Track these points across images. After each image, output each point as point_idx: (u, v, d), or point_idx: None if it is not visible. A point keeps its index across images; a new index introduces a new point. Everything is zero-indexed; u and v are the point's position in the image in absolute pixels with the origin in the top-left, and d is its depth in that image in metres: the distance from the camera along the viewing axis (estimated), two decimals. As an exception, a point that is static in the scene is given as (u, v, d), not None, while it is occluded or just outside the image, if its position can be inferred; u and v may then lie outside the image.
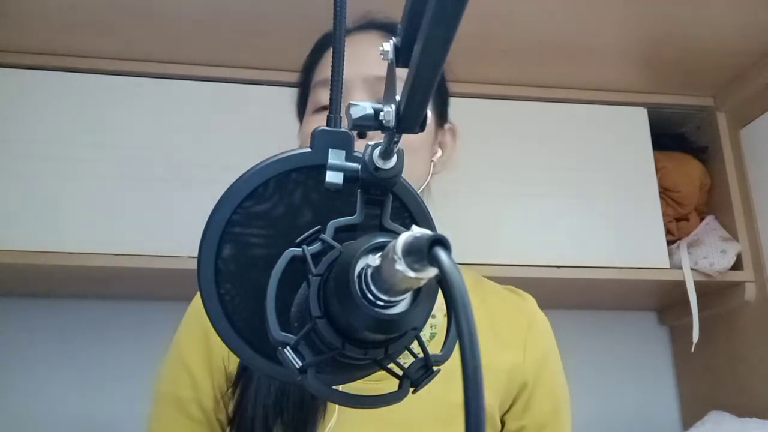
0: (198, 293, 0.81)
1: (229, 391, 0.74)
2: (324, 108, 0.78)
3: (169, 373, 0.78)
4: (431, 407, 0.72)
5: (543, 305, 0.86)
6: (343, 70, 0.38)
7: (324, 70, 0.80)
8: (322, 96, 0.79)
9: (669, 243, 1.33)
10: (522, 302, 0.85)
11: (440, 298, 0.31)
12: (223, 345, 0.78)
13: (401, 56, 0.32)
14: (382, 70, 0.76)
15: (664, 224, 1.35)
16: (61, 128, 1.22)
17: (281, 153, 0.40)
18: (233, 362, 0.75)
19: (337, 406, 0.70)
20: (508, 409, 0.79)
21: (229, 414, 0.73)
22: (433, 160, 0.83)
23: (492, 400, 0.75)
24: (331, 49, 0.87)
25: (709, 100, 1.45)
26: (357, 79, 0.77)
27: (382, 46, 0.33)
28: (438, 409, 0.72)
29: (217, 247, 0.38)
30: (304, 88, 0.86)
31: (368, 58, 0.79)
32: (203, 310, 0.85)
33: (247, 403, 0.70)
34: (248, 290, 0.38)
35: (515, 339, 0.80)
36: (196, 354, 0.77)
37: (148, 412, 0.78)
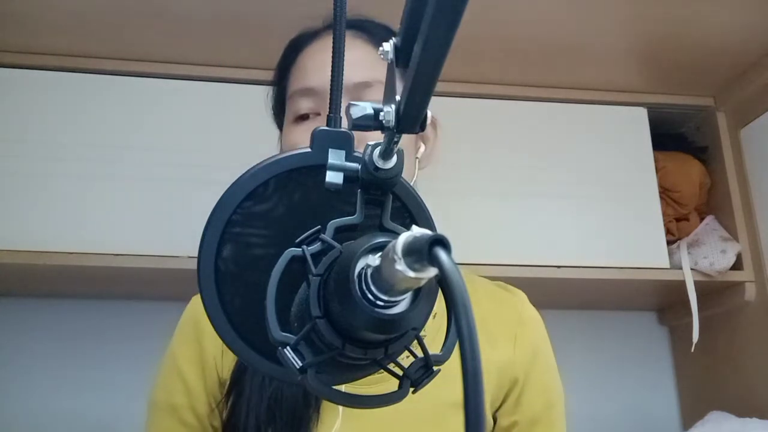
0: (192, 300, 0.82)
1: (223, 398, 0.74)
2: (302, 117, 0.77)
3: (164, 381, 0.79)
4: (425, 407, 0.72)
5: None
6: (343, 70, 0.38)
7: (301, 77, 0.78)
8: (301, 105, 0.77)
9: (669, 243, 1.33)
10: (512, 298, 0.84)
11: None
12: (216, 352, 0.77)
13: (401, 56, 0.32)
14: (360, 76, 0.75)
15: (664, 224, 1.34)
16: (61, 128, 1.22)
17: (281, 153, 0.40)
18: (226, 369, 0.75)
19: (334, 411, 0.70)
20: (500, 406, 0.78)
21: (223, 421, 0.74)
22: (417, 156, 0.81)
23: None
24: (306, 54, 0.84)
25: (709, 100, 1.45)
26: None
27: (382, 46, 0.33)
28: (432, 408, 0.72)
29: (217, 247, 0.38)
30: (281, 91, 0.84)
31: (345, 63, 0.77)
32: (196, 316, 0.84)
33: (239, 411, 0.70)
34: (248, 290, 0.38)
35: (505, 335, 0.79)
36: (190, 361, 0.77)
37: (146, 420, 0.78)
